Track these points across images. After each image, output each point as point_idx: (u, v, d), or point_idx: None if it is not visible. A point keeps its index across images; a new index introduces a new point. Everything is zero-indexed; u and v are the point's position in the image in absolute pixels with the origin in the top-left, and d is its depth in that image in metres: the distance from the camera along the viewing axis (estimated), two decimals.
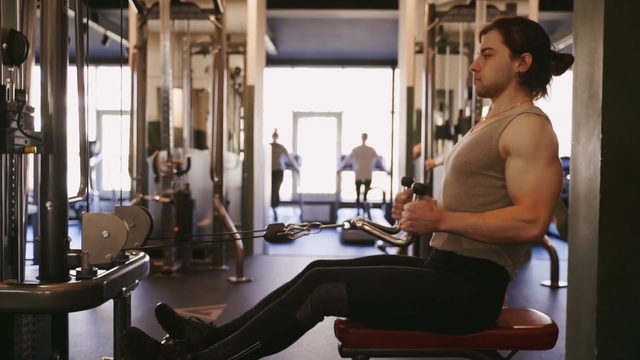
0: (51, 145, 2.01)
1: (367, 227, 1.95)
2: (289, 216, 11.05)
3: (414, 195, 1.87)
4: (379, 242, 7.52)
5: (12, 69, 1.94)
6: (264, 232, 1.98)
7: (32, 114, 1.99)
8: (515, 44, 1.90)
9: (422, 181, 5.83)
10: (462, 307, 1.85)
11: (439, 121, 7.21)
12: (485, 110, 5.48)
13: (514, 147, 1.83)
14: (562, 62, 1.96)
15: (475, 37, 5.50)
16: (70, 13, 2.13)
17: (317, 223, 2.00)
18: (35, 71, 2.17)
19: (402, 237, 1.92)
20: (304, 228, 1.98)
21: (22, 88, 2.04)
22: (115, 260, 2.01)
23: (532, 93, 1.96)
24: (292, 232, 1.97)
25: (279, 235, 1.97)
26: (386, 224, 7.90)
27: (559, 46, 9.42)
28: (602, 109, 2.46)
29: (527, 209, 1.77)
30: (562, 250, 5.91)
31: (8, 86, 1.90)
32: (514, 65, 1.92)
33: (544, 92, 1.97)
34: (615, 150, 2.45)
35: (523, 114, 1.86)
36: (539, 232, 1.77)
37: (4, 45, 1.90)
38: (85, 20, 2.32)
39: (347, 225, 1.98)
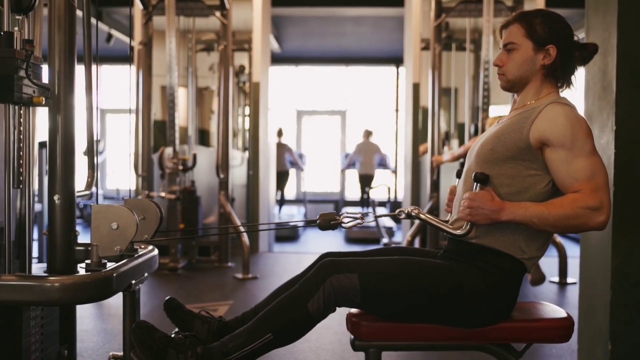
0: (59, 140, 1.99)
1: (422, 216, 1.92)
2: (293, 214, 11.02)
3: (475, 184, 1.83)
4: (384, 240, 7.49)
5: (20, 17, 1.90)
6: (317, 221, 1.96)
7: (40, 65, 1.95)
8: (538, 36, 1.87)
9: (428, 179, 5.80)
10: (477, 299, 1.82)
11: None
12: None
13: (553, 137, 1.80)
14: (587, 52, 1.93)
15: (482, 33, 5.46)
16: (78, 13, 2.11)
17: (370, 212, 1.98)
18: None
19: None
20: (358, 217, 1.96)
21: (30, 38, 2.01)
22: (125, 253, 1.99)
23: (557, 85, 1.93)
24: (346, 221, 1.95)
25: (333, 223, 1.94)
26: (391, 223, 7.84)
27: None
28: (615, 100, 2.42)
29: (589, 196, 1.75)
30: (570, 247, 5.89)
31: (16, 34, 1.86)
32: (538, 58, 1.89)
33: (568, 83, 1.94)
34: (629, 143, 2.42)
35: (553, 104, 1.84)
36: (605, 217, 1.75)
37: None
38: (93, 20, 2.31)
39: (402, 215, 1.95)
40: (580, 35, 1.97)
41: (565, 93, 1.95)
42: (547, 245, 1.91)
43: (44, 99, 1.91)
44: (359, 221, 1.96)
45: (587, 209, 1.75)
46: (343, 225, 1.95)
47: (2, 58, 1.79)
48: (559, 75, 1.91)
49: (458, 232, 1.87)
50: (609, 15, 2.47)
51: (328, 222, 1.95)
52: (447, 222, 2.00)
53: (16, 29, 1.88)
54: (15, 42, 1.84)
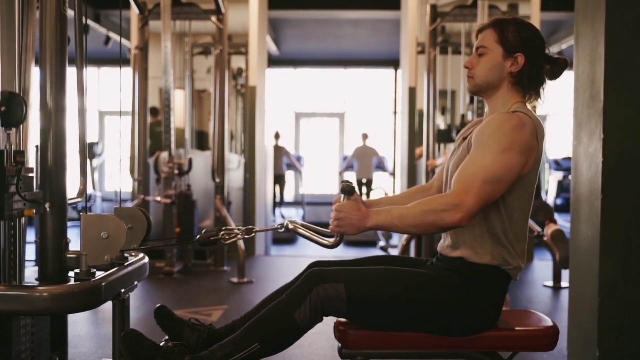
0: (50, 146, 2.01)
1: (299, 230, 1.95)
2: (291, 217, 11.04)
3: (342, 196, 1.86)
4: (381, 243, 7.51)
5: (11, 131, 1.93)
6: (197, 237, 2.00)
7: (30, 174, 1.97)
8: (508, 43, 1.89)
9: (424, 182, 5.82)
10: (462, 308, 1.84)
11: (441, 125, 7.19)
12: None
13: (474, 141, 1.84)
14: (557, 66, 1.94)
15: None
16: (70, 13, 2.13)
17: (251, 227, 2.00)
18: (35, 72, 2.17)
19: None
20: (238, 232, 1.99)
21: (21, 148, 2.03)
22: (114, 261, 2.01)
23: (525, 95, 1.94)
24: (225, 237, 1.98)
25: (213, 239, 1.99)
26: None
27: (562, 46, 9.38)
28: (603, 108, 2.44)
29: (453, 194, 1.77)
30: None
31: (7, 149, 1.88)
32: (506, 65, 1.90)
33: (537, 94, 1.95)
34: (617, 151, 2.43)
35: (497, 114, 1.87)
36: (460, 216, 1.73)
37: (3, 108, 1.87)
38: (84, 20, 2.32)
39: (281, 229, 1.98)
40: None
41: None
42: (524, 247, 1.91)
43: (34, 210, 1.94)
44: (238, 237, 1.99)
45: (445, 204, 1.75)
46: (222, 241, 1.98)
47: None
48: (526, 85, 1.92)
49: (326, 243, 1.89)
50: (597, 24, 2.49)
51: (208, 239, 1.99)
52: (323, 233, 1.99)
53: (6, 143, 1.90)
54: (6, 157, 1.86)
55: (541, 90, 1.94)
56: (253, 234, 2.00)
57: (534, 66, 1.90)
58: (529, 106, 1.93)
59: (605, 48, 2.43)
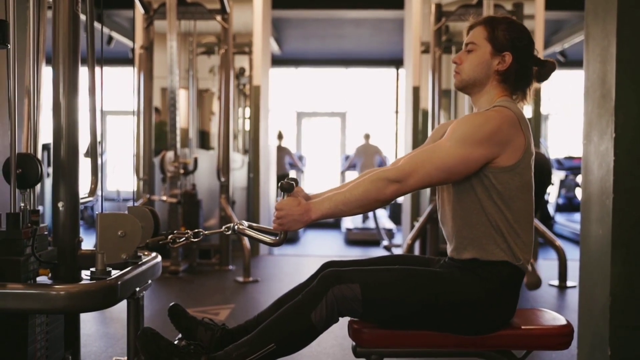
0: (63, 145, 2.01)
1: (246, 231, 1.98)
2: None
3: (282, 193, 1.87)
4: (384, 243, 7.51)
5: (27, 192, 1.94)
6: (146, 242, 2.03)
7: (46, 232, 1.99)
8: (497, 41, 1.91)
9: None
10: (477, 307, 1.85)
11: None
12: None
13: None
14: (545, 69, 1.96)
15: None
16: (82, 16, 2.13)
17: (199, 230, 2.02)
18: (47, 72, 2.18)
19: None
20: (186, 236, 2.01)
21: (36, 208, 2.04)
22: (129, 260, 2.01)
23: (511, 93, 1.95)
24: (174, 240, 2.01)
25: (161, 244, 2.02)
26: (391, 225, 7.83)
27: (564, 45, 9.38)
28: (614, 108, 2.44)
29: (398, 170, 1.80)
30: (570, 250, 5.91)
31: (22, 209, 1.90)
32: (493, 63, 1.92)
33: (523, 95, 1.96)
34: (628, 150, 2.43)
35: (477, 112, 1.91)
36: (394, 188, 1.79)
37: (19, 170, 1.89)
38: (96, 22, 2.33)
39: (228, 231, 2.00)
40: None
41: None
42: (530, 240, 1.92)
43: (49, 270, 1.95)
44: (186, 241, 2.01)
45: (387, 180, 1.79)
46: (171, 245, 2.01)
47: (8, 241, 1.83)
48: (512, 84, 1.94)
49: (272, 241, 1.91)
50: (609, 24, 2.49)
51: (156, 243, 2.03)
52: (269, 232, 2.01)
53: (22, 204, 1.91)
54: (21, 218, 1.87)
55: (528, 91, 1.96)
56: (201, 237, 2.02)
57: (521, 66, 1.92)
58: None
59: (617, 48, 2.43)
